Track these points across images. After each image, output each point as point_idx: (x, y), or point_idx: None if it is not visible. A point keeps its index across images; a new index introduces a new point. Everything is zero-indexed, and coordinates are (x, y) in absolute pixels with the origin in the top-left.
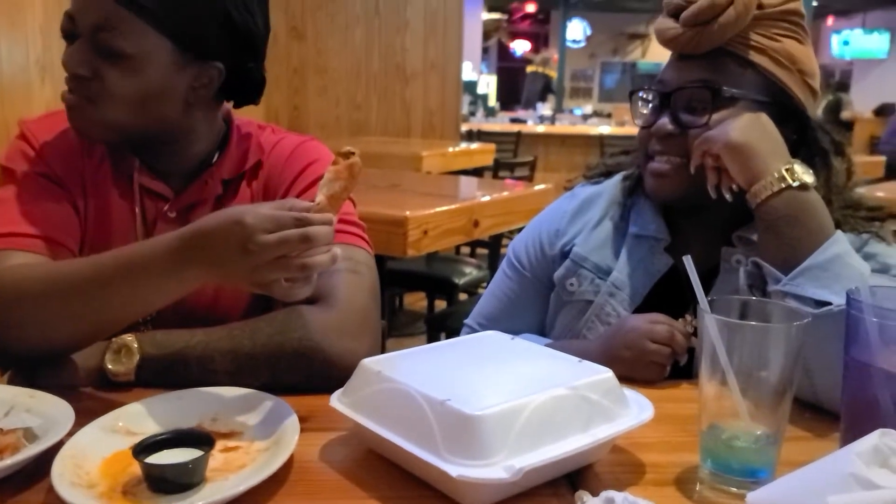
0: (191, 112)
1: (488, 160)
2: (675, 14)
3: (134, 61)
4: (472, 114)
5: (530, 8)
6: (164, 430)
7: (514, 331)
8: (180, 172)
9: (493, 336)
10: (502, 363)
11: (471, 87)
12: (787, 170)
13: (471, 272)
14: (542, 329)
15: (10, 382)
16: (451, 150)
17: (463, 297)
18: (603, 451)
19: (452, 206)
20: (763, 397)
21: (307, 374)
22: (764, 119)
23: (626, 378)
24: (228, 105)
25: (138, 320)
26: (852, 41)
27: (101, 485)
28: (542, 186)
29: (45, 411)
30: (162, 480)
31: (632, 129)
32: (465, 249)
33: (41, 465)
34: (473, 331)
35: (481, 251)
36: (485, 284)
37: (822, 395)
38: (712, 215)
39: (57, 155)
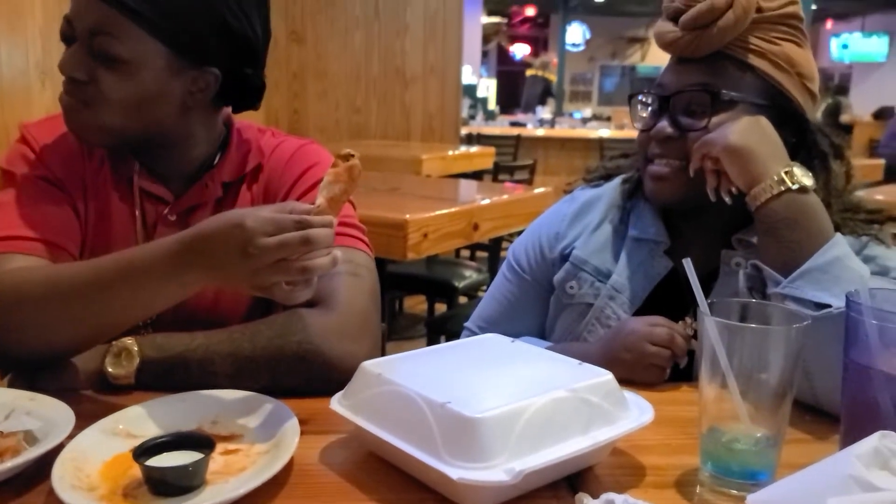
0: (188, 116)
1: (488, 164)
2: (674, 18)
3: (129, 66)
4: (472, 117)
5: (530, 12)
6: (165, 433)
7: (515, 334)
8: (180, 175)
9: (494, 339)
10: (502, 366)
11: (470, 90)
12: (786, 172)
13: (471, 275)
14: (542, 332)
15: (11, 385)
16: (450, 153)
17: (463, 300)
18: (603, 453)
19: (452, 210)
20: (763, 399)
21: (307, 377)
22: (763, 122)
23: (625, 381)
24: (229, 109)
25: (138, 323)
26: (851, 44)
27: (102, 488)
28: (541, 190)
29: (45, 414)
30: (162, 483)
31: (631, 133)
32: (465, 253)
33: (42, 467)
34: (473, 334)
35: (481, 254)
36: (485, 288)
37: (821, 397)
38: (712, 218)
39: (57, 158)
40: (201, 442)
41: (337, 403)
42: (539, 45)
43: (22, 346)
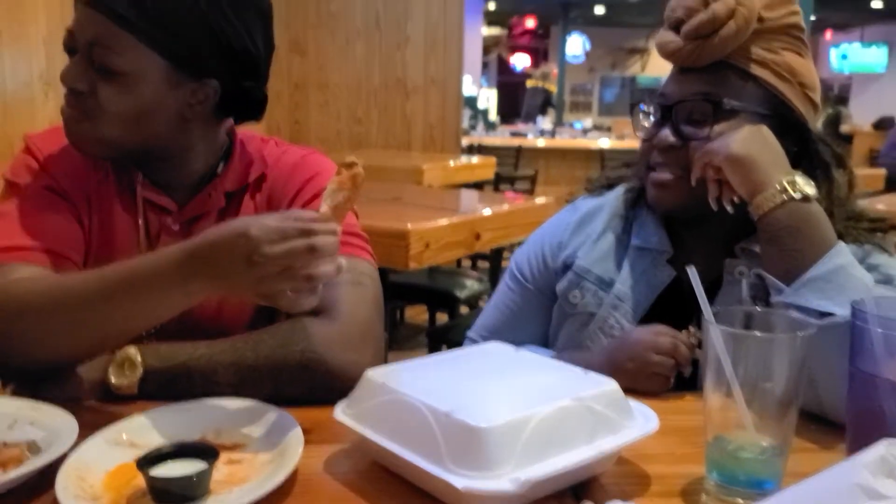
0: (188, 128)
1: (489, 174)
2: (675, 27)
3: (128, 78)
4: (473, 128)
5: (530, 23)
6: (169, 443)
7: (517, 343)
8: (183, 186)
9: (498, 347)
10: (507, 374)
11: (471, 101)
12: (788, 181)
13: (472, 285)
14: (544, 341)
15: (14, 395)
16: (452, 163)
17: (464, 310)
18: (608, 462)
19: (454, 220)
20: (768, 408)
21: (310, 386)
22: (765, 131)
23: (629, 390)
24: (231, 119)
25: (142, 333)
26: (851, 55)
27: (105, 497)
28: (542, 200)
29: (48, 424)
30: (166, 493)
31: (632, 143)
32: (467, 262)
33: (45, 477)
34: (476, 343)
35: (482, 264)
36: (486, 298)
37: (827, 406)
38: (714, 227)
39: (61, 168)
40: (205, 451)
41: (340, 413)
42: (539, 56)
43: (25, 356)
